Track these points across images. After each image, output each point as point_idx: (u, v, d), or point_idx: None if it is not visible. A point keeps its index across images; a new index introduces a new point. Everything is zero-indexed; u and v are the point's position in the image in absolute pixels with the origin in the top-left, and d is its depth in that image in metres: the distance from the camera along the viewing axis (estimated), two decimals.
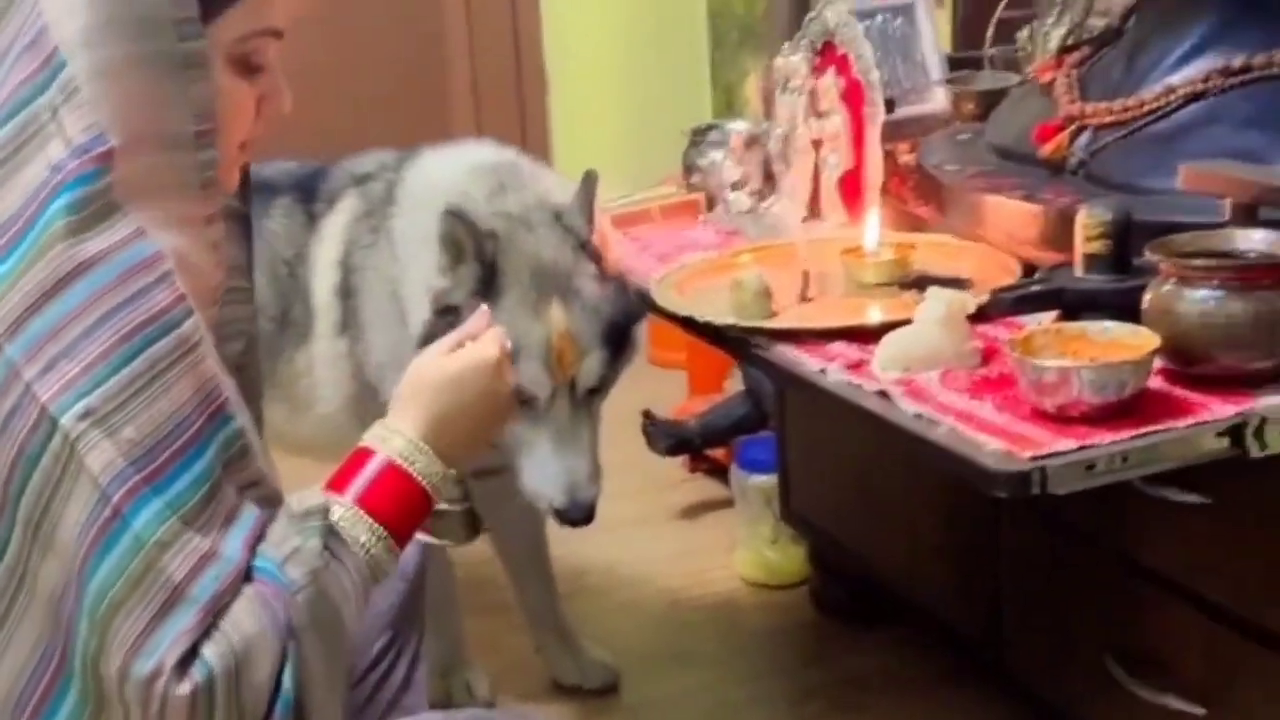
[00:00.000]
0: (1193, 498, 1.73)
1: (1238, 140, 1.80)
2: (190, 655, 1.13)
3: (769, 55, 2.43)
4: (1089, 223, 1.62)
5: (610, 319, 1.97)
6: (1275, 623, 1.72)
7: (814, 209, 2.19)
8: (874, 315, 1.76)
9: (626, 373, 2.06)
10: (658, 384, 3.35)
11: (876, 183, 2.08)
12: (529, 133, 4.11)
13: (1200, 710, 1.82)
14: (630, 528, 3.03)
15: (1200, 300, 1.48)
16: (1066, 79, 2.07)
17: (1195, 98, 1.88)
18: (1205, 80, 1.88)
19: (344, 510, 1.29)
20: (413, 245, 2.09)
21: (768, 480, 2.83)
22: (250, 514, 1.19)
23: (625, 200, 2.39)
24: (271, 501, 1.23)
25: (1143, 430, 1.41)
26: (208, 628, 1.14)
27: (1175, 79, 1.91)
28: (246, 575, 1.17)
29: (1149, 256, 1.54)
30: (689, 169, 2.39)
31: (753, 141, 2.28)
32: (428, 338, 1.80)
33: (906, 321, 1.64)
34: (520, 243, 1.96)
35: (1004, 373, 1.56)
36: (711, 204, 2.34)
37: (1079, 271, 1.64)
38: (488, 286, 1.92)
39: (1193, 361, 1.50)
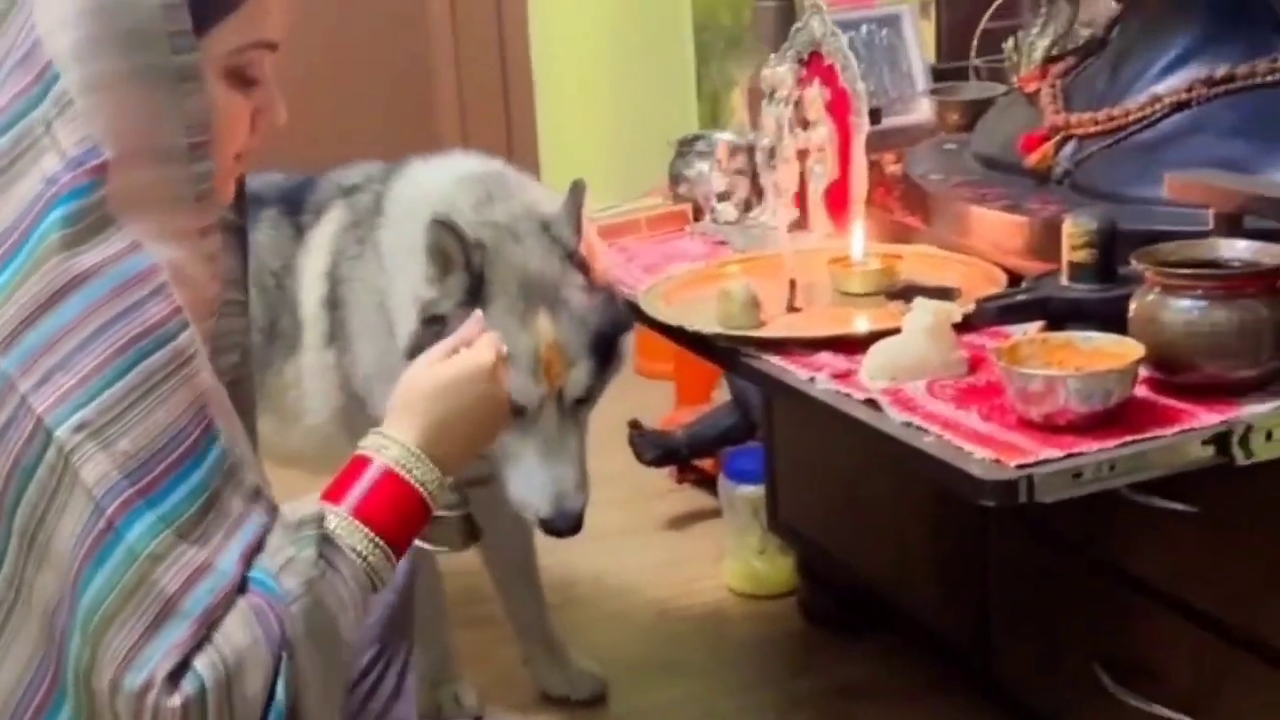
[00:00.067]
0: (1179, 506, 1.73)
1: (1222, 150, 1.81)
2: (182, 668, 1.13)
3: (755, 66, 2.43)
4: (1074, 232, 1.63)
5: (598, 329, 1.97)
6: (1262, 630, 1.73)
7: (801, 219, 2.20)
8: (861, 325, 1.77)
9: (614, 383, 2.05)
10: (645, 394, 3.34)
11: (862, 193, 2.09)
12: (516, 144, 4.10)
13: (1187, 718, 1.81)
14: (618, 538, 3.02)
15: (1185, 309, 1.49)
16: (1051, 89, 2.08)
17: (1179, 107, 1.89)
18: (1189, 90, 1.89)
19: (339, 519, 1.29)
20: (400, 256, 2.09)
21: (755, 490, 2.82)
22: (252, 525, 1.20)
23: (612, 211, 2.38)
24: (268, 512, 1.23)
25: (1129, 439, 1.42)
26: (200, 640, 1.14)
27: (1159, 89, 1.92)
28: (241, 587, 1.17)
29: (1134, 266, 1.55)
30: (675, 179, 2.39)
31: (739, 152, 2.29)
32: (415, 349, 1.80)
33: (894, 331, 1.65)
34: (507, 253, 1.96)
35: (991, 382, 1.57)
36: (698, 214, 2.34)
37: (1064, 281, 1.65)
38: (475, 297, 1.91)
39: (1178, 370, 1.51)
